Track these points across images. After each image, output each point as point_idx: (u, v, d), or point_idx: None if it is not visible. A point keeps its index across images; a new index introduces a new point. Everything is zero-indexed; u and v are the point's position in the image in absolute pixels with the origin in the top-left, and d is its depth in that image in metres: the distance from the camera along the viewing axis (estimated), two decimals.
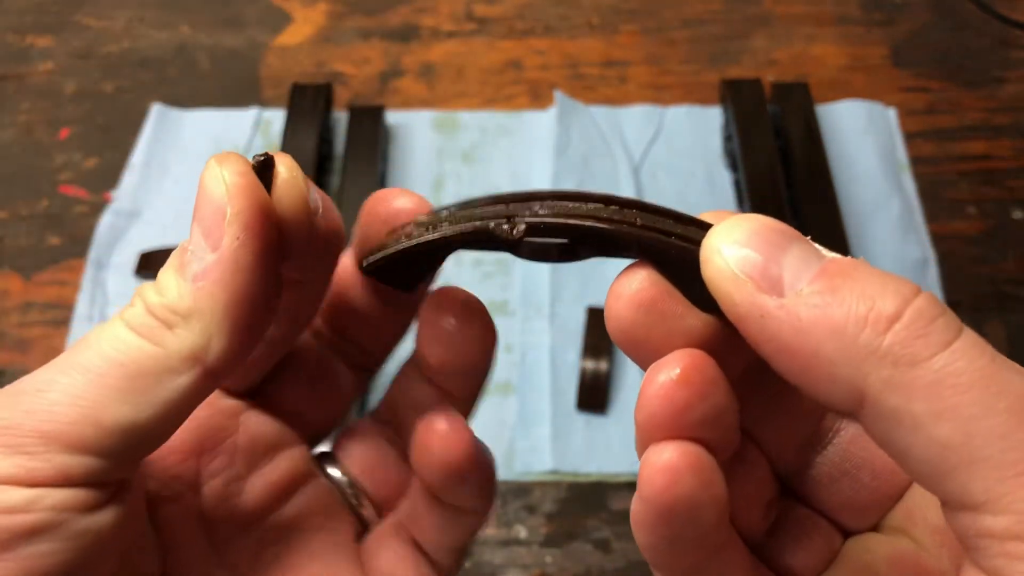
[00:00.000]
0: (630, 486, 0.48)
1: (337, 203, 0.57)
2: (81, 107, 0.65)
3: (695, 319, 0.18)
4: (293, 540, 0.23)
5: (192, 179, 0.60)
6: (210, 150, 0.62)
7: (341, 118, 0.62)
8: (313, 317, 0.23)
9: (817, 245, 0.17)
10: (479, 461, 0.22)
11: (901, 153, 0.61)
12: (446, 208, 0.21)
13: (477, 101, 0.64)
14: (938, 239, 0.56)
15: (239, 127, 0.63)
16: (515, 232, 0.19)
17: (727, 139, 0.60)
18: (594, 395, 0.50)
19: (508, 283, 0.55)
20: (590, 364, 0.51)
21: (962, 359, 0.15)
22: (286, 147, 0.58)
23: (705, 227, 0.18)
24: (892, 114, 0.62)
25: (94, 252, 0.56)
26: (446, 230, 0.20)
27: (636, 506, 0.18)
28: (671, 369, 0.17)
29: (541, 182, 0.59)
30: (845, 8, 0.69)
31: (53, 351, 0.53)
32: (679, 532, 0.17)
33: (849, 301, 0.15)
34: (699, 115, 0.63)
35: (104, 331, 0.19)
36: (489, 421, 0.50)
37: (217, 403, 0.23)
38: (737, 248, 0.17)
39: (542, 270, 0.55)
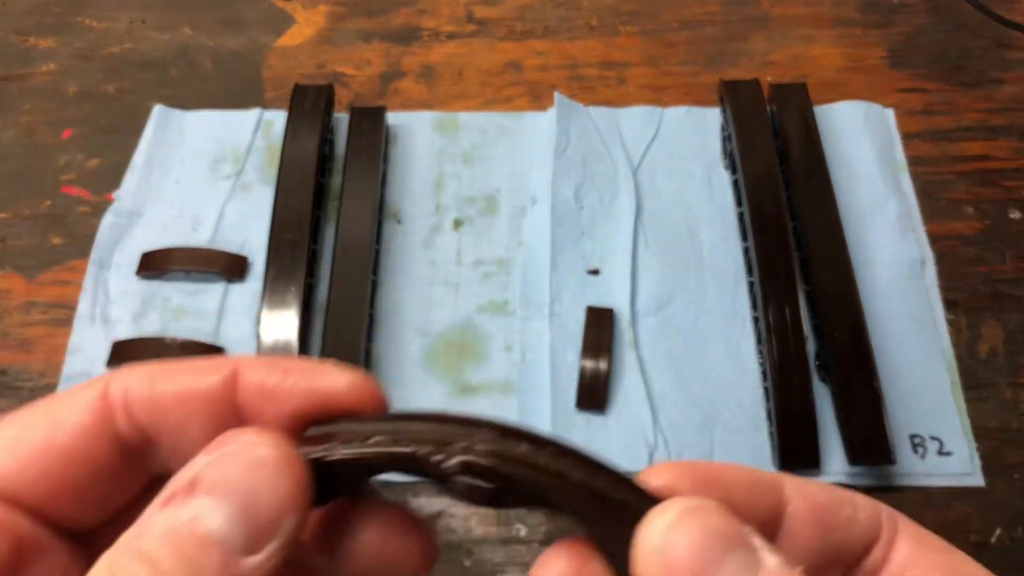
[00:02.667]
0: None
1: (338, 203, 0.57)
2: (83, 108, 0.65)
3: None
4: None
5: (193, 179, 0.61)
6: (212, 151, 0.62)
7: (342, 119, 0.62)
8: None
9: (758, 542, 0.17)
10: None
11: (899, 153, 0.61)
12: (384, 420, 0.19)
13: (477, 102, 0.65)
14: (936, 239, 0.57)
15: (241, 128, 0.63)
16: (445, 467, 0.18)
17: (726, 139, 0.60)
18: (594, 395, 0.50)
19: (508, 283, 0.56)
20: (590, 364, 0.51)
21: None
22: (288, 147, 0.58)
23: (641, 497, 0.18)
24: (890, 115, 0.63)
25: (96, 252, 0.57)
26: (370, 447, 0.18)
27: None
28: None
29: (541, 182, 0.59)
30: (843, 10, 0.69)
31: (55, 350, 0.53)
32: None
33: None
34: (698, 116, 0.63)
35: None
36: None
37: None
38: (671, 549, 0.17)
39: (542, 270, 0.55)
